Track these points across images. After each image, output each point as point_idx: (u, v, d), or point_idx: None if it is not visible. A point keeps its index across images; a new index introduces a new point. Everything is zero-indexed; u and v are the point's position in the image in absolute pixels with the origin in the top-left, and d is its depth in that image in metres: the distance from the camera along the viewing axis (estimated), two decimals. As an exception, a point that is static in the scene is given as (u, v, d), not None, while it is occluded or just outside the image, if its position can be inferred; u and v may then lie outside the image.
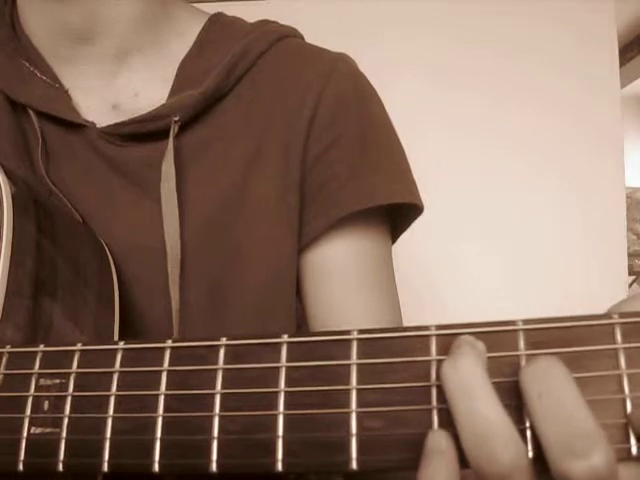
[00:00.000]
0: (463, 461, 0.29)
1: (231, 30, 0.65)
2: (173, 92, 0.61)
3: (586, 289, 1.40)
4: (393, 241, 0.68)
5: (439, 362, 0.31)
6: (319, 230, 0.61)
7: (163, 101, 0.60)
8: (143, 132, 0.59)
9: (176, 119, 0.58)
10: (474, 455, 0.28)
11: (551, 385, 0.28)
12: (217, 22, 0.66)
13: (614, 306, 0.32)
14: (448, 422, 0.30)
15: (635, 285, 3.97)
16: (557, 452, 0.27)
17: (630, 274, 3.76)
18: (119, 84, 0.62)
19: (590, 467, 0.26)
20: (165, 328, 0.57)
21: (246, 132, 0.61)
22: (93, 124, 0.60)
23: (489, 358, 0.30)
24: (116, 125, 0.59)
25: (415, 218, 0.66)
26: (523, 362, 0.30)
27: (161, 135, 0.59)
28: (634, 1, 3.23)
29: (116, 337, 0.53)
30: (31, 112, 0.60)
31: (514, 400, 0.30)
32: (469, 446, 0.29)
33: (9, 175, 0.51)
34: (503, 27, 1.47)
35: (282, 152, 0.61)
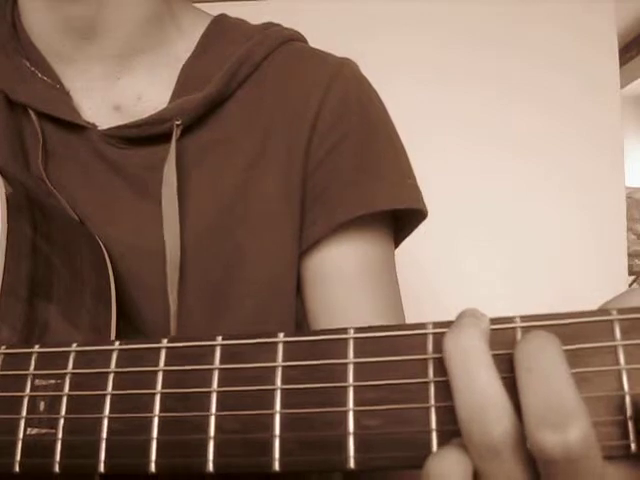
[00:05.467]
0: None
1: (234, 32, 0.65)
2: (175, 95, 0.61)
3: (586, 289, 1.40)
4: (396, 245, 0.68)
5: (436, 360, 0.31)
6: (320, 234, 0.61)
7: (165, 103, 0.60)
8: (145, 135, 0.59)
9: (178, 122, 0.58)
10: (467, 426, 0.28)
11: (541, 361, 0.28)
12: (220, 24, 0.66)
13: (609, 301, 0.32)
14: (446, 420, 0.30)
15: (635, 285, 3.97)
16: (534, 422, 0.27)
17: (630, 274, 3.75)
18: (122, 85, 0.62)
19: (565, 441, 0.26)
20: (164, 330, 0.57)
21: (248, 135, 0.61)
22: (94, 126, 0.60)
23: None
24: (118, 128, 0.59)
25: (419, 223, 0.65)
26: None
27: (163, 138, 0.58)
28: (634, 1, 3.23)
29: (113, 336, 0.53)
30: (31, 112, 0.60)
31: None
32: (463, 416, 0.29)
33: (5, 175, 0.50)
34: (503, 27, 1.47)
35: (284, 155, 0.61)
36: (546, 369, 0.28)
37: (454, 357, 0.30)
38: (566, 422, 0.26)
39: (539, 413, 0.27)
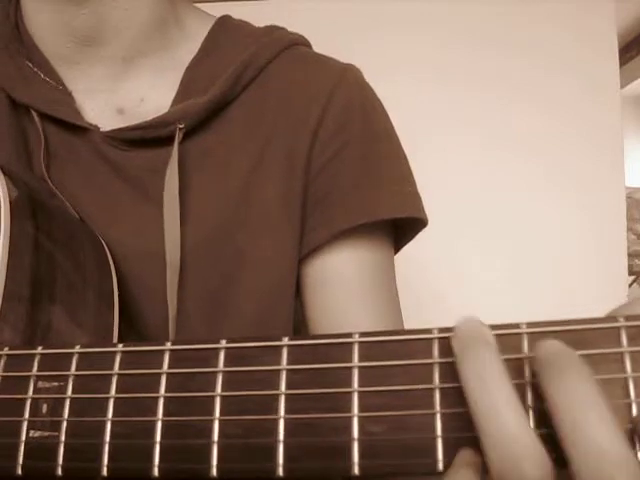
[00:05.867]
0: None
1: (238, 35, 0.64)
2: (178, 98, 0.61)
3: (586, 289, 1.40)
4: (396, 252, 0.68)
5: (442, 365, 0.31)
6: (321, 240, 0.61)
7: (168, 106, 0.60)
8: (147, 138, 0.58)
9: (181, 126, 0.58)
10: (498, 472, 0.27)
11: (580, 398, 0.27)
12: (224, 26, 0.65)
13: (616, 309, 0.31)
14: (451, 426, 0.30)
15: (635, 285, 3.97)
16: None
17: (630, 274, 3.75)
18: (125, 88, 0.62)
19: None
20: (164, 333, 0.57)
21: (251, 140, 0.61)
22: (97, 127, 0.59)
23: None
24: (120, 130, 0.59)
25: (419, 231, 0.65)
26: (526, 366, 0.30)
27: (165, 141, 0.58)
28: (634, 1, 3.23)
29: (116, 335, 0.53)
30: (34, 113, 0.60)
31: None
32: (494, 459, 0.27)
33: (9, 176, 0.50)
34: (503, 27, 1.47)
35: (286, 160, 0.61)
36: (586, 409, 0.27)
37: (474, 389, 0.28)
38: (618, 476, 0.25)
39: (590, 468, 0.26)
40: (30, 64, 0.60)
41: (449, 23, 1.47)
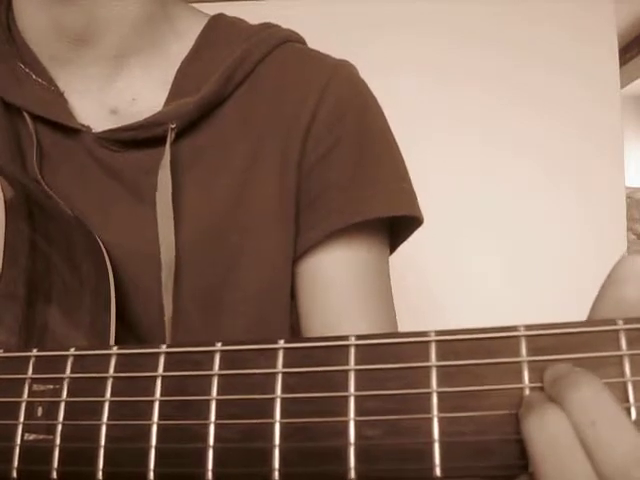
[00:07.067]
0: None
1: (231, 33, 0.64)
2: (171, 97, 0.60)
3: (586, 289, 1.39)
4: (392, 251, 0.67)
5: (438, 368, 0.30)
6: (316, 240, 0.60)
7: (161, 105, 0.60)
8: (139, 138, 0.58)
9: (173, 126, 0.57)
10: None
11: (603, 412, 0.27)
12: (217, 24, 0.65)
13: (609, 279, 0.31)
14: (448, 431, 0.29)
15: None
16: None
17: (630, 274, 3.73)
18: (117, 88, 0.61)
19: None
20: (160, 334, 0.57)
21: (244, 138, 0.61)
22: (89, 128, 0.59)
23: (489, 365, 0.30)
24: (112, 131, 0.58)
25: (414, 229, 0.65)
26: (525, 370, 0.29)
27: (158, 141, 0.58)
28: (634, 1, 3.22)
29: (112, 337, 0.53)
30: (26, 115, 0.59)
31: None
32: None
33: (4, 176, 0.50)
34: (503, 27, 1.46)
35: (279, 158, 0.60)
36: (611, 421, 0.27)
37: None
38: None
39: (622, 472, 0.26)
40: (22, 65, 0.60)
41: (449, 23, 1.47)
